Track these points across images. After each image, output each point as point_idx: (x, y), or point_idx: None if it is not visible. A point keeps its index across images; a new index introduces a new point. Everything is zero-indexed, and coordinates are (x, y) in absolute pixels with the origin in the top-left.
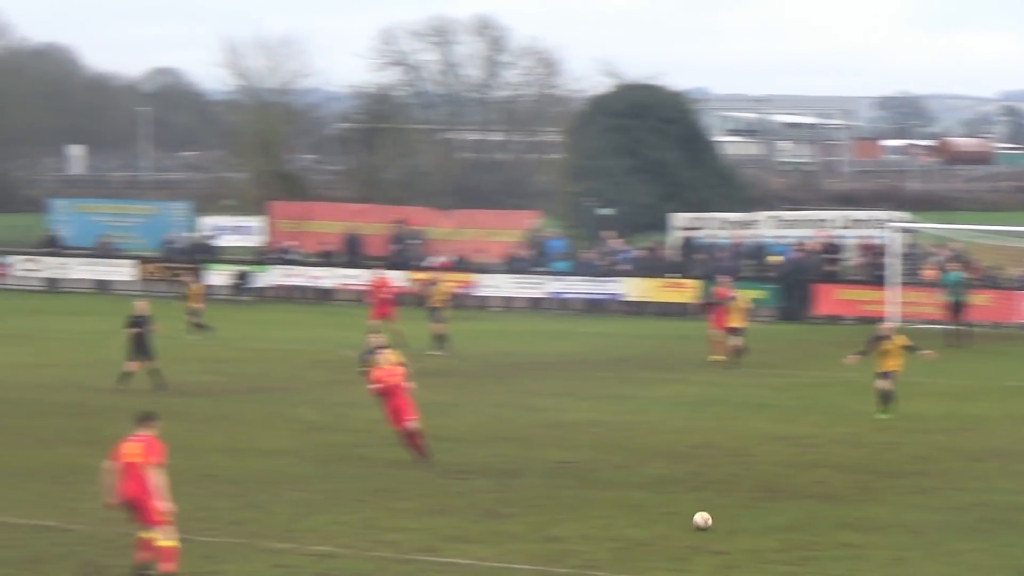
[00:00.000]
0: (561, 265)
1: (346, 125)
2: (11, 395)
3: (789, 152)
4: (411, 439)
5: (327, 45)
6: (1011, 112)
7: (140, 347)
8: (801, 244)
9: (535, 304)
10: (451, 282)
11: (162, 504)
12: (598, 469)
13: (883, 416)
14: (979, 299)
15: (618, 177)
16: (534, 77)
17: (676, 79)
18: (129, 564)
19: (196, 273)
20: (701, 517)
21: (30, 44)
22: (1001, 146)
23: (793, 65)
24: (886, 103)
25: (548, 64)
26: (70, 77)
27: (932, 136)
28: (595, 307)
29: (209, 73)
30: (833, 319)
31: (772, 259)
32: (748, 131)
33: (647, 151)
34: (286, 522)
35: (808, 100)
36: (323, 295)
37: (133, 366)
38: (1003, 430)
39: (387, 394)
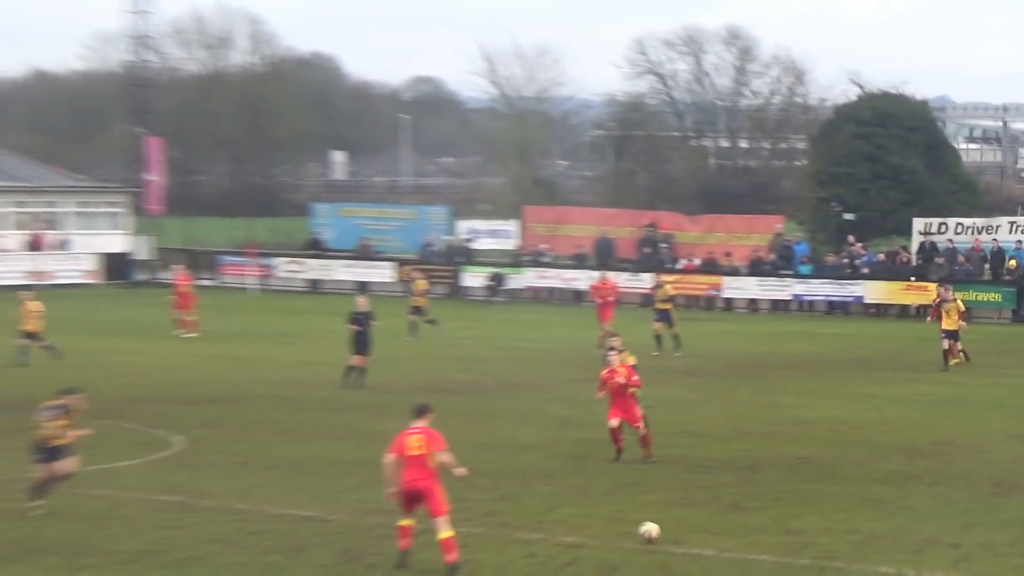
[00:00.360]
0: (805, 268)
1: (599, 132)
2: (275, 391)
3: None
4: (642, 440)
5: (581, 54)
6: None
7: (361, 342)
8: None
9: (779, 306)
10: (672, 284)
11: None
12: (838, 464)
13: None
14: None
15: (861, 183)
16: (781, 86)
17: (919, 88)
18: (386, 552)
19: (422, 271)
20: (647, 531)
21: (296, 53)
22: None
23: None
24: None
25: (795, 73)
26: (333, 85)
27: None
28: (837, 309)
29: (468, 81)
30: None
31: (1010, 263)
32: (989, 138)
33: (889, 158)
34: (537, 514)
35: None
36: (575, 296)
37: (355, 361)
38: None
39: (611, 395)
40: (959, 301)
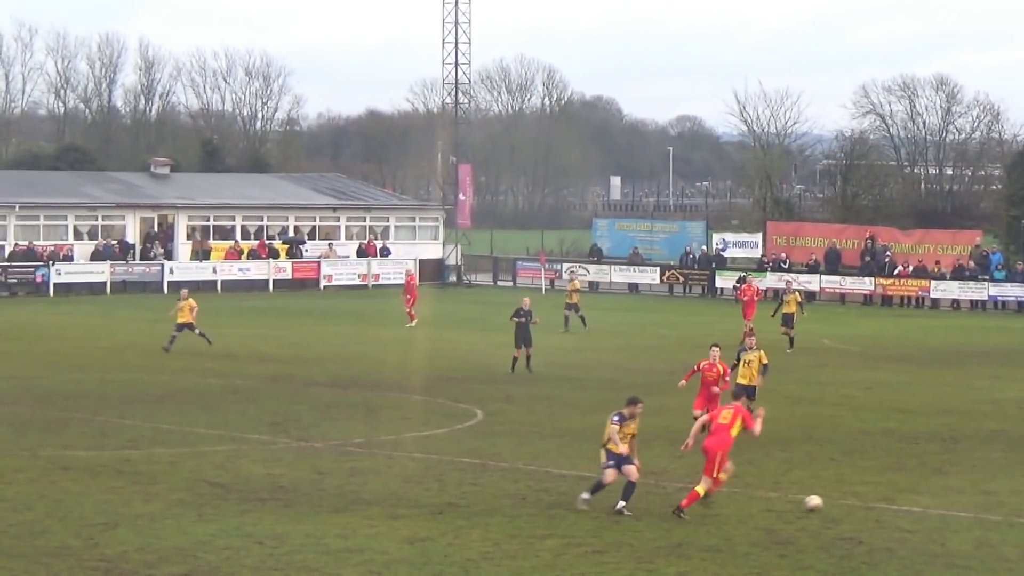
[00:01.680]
0: (999, 274)
1: (829, 161)
2: (560, 372)
3: None
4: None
5: (816, 98)
6: None
7: (522, 335)
8: None
9: (977, 305)
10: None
11: (728, 465)
12: None
13: None
14: None
15: None
16: (981, 123)
17: None
18: (650, 507)
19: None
20: (812, 502)
21: (582, 96)
22: None
23: None
24: None
25: (993, 112)
26: (613, 122)
27: None
28: None
29: (722, 119)
30: None
31: None
32: None
33: None
34: (774, 476)
35: None
36: (809, 296)
37: (517, 352)
38: None
39: (703, 386)
40: None
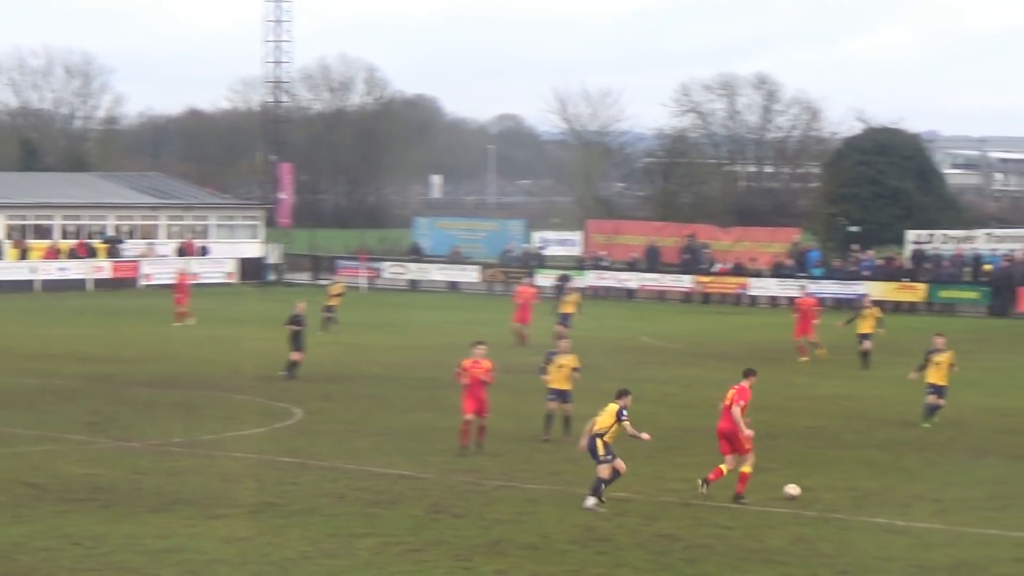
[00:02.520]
0: (817, 271)
1: (649, 160)
2: (380, 371)
3: (1002, 182)
4: (478, 431)
5: (636, 96)
6: None
7: (299, 341)
8: (1010, 255)
9: (795, 302)
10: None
11: (748, 435)
12: (841, 433)
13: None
14: None
15: (864, 201)
16: (800, 122)
17: (913, 123)
18: (469, 505)
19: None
20: (793, 490)
21: (403, 95)
22: None
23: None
24: None
25: (811, 111)
26: (434, 121)
27: None
28: (843, 305)
29: (543, 118)
30: None
31: (986, 267)
32: (969, 165)
33: (888, 181)
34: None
35: (1020, 140)
36: (628, 294)
37: (295, 356)
38: None
39: (468, 385)
40: (874, 309)
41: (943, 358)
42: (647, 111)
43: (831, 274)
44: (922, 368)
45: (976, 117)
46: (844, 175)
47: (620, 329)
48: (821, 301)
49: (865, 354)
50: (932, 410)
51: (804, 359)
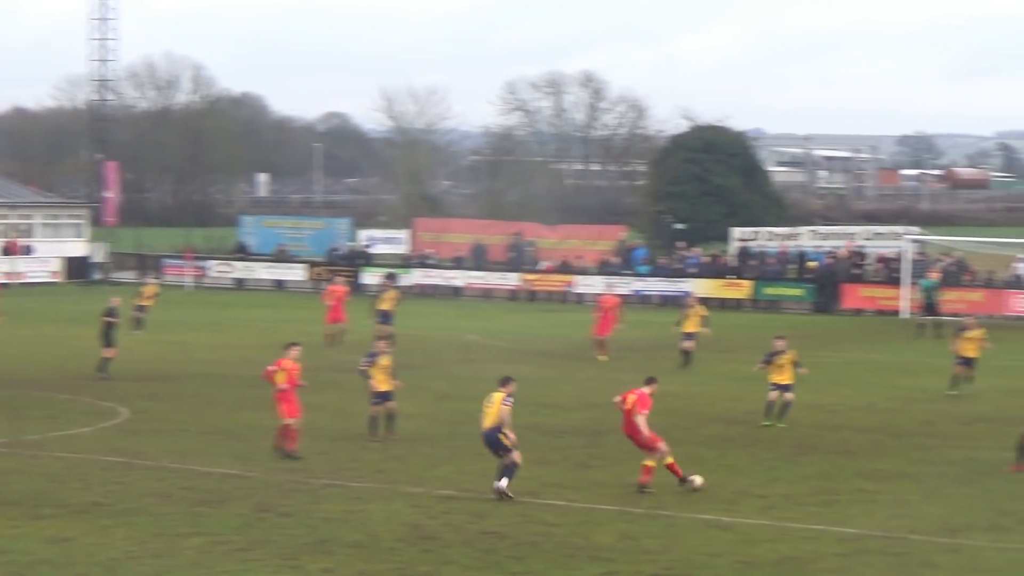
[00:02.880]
0: (643, 268)
1: (476, 157)
2: (206, 370)
3: (826, 179)
4: (288, 433)
5: (463, 94)
6: (1004, 148)
7: (109, 335)
8: (833, 252)
9: (622, 300)
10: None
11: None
12: (668, 430)
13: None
14: (975, 296)
15: (690, 199)
16: (626, 119)
17: (738, 121)
18: (295, 504)
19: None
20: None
21: (229, 93)
22: (996, 175)
23: (833, 109)
24: (905, 140)
25: (638, 109)
26: (260, 119)
27: (940, 167)
28: (669, 302)
29: (370, 116)
30: (857, 312)
31: (810, 264)
32: (794, 163)
33: (714, 178)
34: (419, 471)
35: (843, 138)
36: (455, 292)
37: (108, 352)
38: (992, 400)
39: (288, 388)
40: (699, 308)
41: (785, 359)
42: (474, 109)
43: (657, 271)
44: (767, 364)
45: (800, 115)
46: (670, 173)
47: (446, 327)
48: (626, 299)
49: (687, 353)
50: (784, 407)
51: (603, 357)
